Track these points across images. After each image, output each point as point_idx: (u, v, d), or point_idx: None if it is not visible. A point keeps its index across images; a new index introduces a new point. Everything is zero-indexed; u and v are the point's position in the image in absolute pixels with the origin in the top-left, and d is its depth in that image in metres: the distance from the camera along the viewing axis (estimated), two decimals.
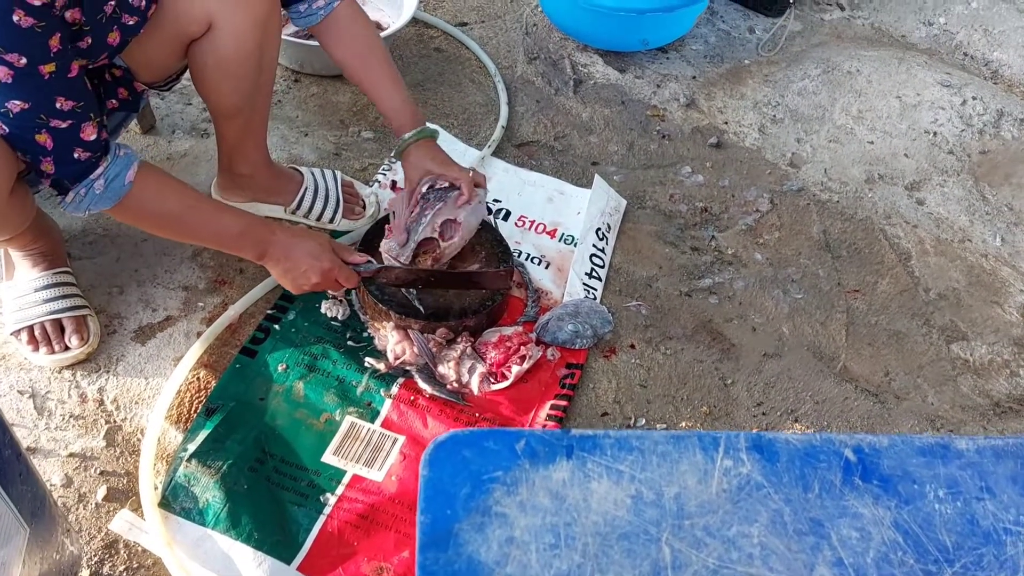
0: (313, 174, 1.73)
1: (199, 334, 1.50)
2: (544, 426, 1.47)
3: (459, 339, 1.53)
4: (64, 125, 1.15)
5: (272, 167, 1.68)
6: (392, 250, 1.53)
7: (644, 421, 1.53)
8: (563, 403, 1.50)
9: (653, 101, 2.30)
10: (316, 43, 1.60)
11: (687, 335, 1.69)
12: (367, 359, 1.51)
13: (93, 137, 1.18)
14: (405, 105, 1.53)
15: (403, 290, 1.54)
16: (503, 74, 2.25)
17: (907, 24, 2.75)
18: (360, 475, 1.36)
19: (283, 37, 1.69)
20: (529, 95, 2.23)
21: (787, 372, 1.66)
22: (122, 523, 1.26)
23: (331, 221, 1.73)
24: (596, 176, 1.95)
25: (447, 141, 1.99)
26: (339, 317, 1.57)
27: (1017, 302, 1.91)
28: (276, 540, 1.26)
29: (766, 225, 1.99)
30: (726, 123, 2.29)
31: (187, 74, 1.49)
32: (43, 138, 1.14)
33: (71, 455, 1.34)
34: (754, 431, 1.54)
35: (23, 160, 1.17)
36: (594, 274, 1.74)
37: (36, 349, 1.43)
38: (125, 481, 1.33)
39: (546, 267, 1.76)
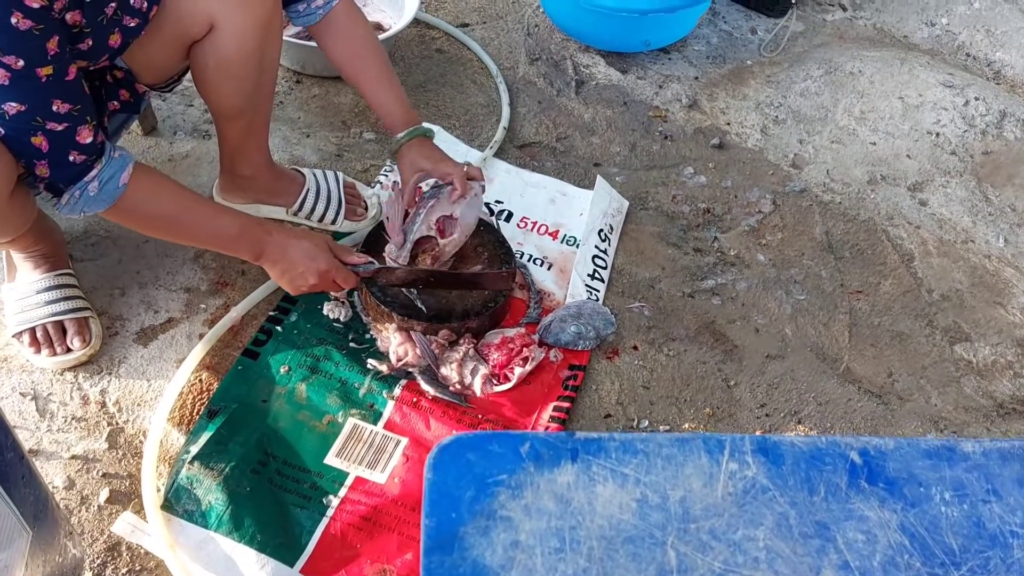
0: (315, 175, 1.73)
1: (201, 336, 1.49)
2: (547, 428, 1.47)
3: (462, 341, 1.53)
4: (60, 128, 1.14)
5: (274, 168, 1.68)
6: (391, 252, 1.52)
7: (647, 423, 1.53)
8: (566, 405, 1.50)
9: (655, 102, 2.30)
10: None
11: (690, 336, 1.69)
12: (369, 361, 1.51)
13: (89, 140, 1.18)
14: (399, 105, 1.52)
15: (404, 291, 1.53)
16: (505, 75, 2.25)
17: (909, 25, 2.74)
18: (363, 477, 1.36)
19: (284, 38, 1.69)
20: (531, 96, 2.22)
21: (790, 373, 1.65)
22: (124, 525, 1.26)
23: (333, 222, 1.72)
24: (598, 177, 1.94)
25: (449, 142, 1.99)
26: (341, 319, 1.57)
27: (1020, 303, 1.90)
28: (279, 542, 1.26)
29: (769, 226, 1.99)
30: (728, 124, 2.28)
31: (188, 75, 1.49)
32: (39, 140, 1.14)
33: (73, 457, 1.34)
34: (758, 433, 1.53)
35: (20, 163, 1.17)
36: (597, 275, 1.74)
37: (38, 351, 1.42)
38: (127, 483, 1.32)
39: (548, 268, 1.76)
